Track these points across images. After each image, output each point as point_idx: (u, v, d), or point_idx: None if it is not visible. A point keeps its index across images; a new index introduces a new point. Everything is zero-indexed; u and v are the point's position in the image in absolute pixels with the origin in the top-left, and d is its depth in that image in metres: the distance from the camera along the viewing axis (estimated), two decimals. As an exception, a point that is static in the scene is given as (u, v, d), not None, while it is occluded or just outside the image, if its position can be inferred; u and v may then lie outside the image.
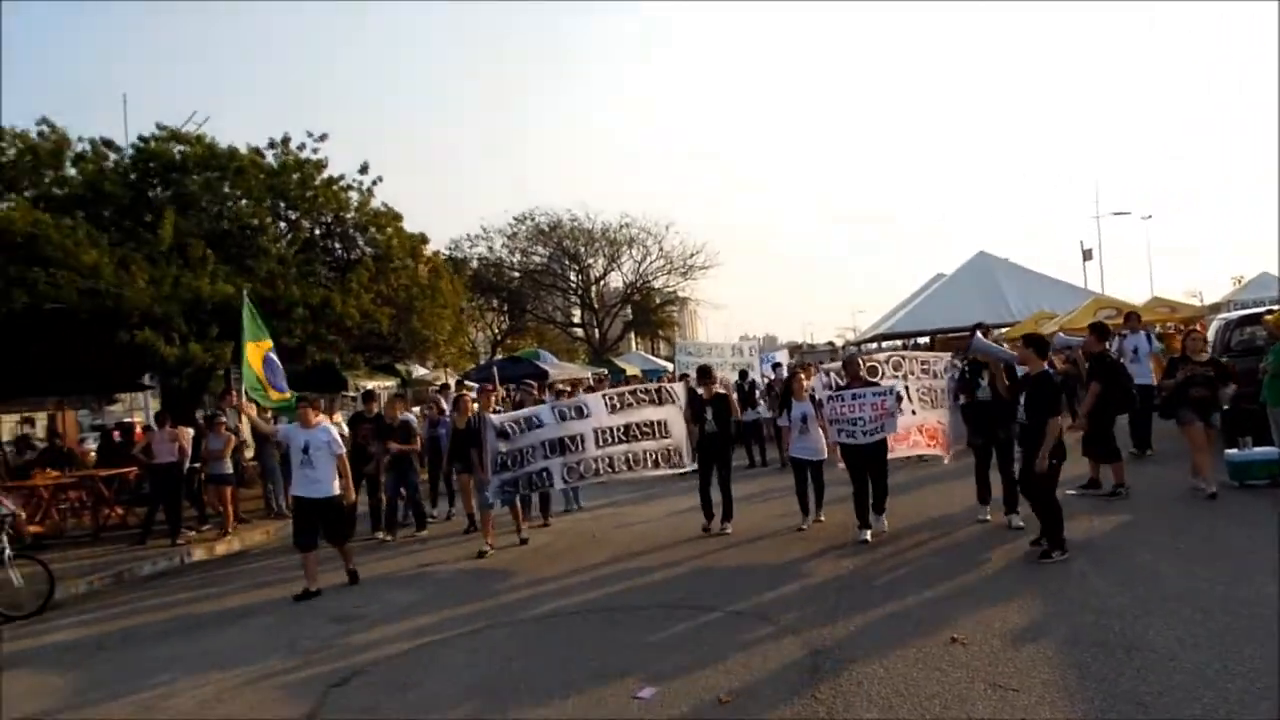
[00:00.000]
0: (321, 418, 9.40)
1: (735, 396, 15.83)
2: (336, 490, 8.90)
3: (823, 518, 9.85)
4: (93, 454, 19.35)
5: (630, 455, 9.76)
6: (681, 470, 10.03)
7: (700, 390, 10.21)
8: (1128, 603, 5.94)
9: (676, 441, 9.84)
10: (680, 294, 56.12)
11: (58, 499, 14.05)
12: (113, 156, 15.87)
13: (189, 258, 14.30)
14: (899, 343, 36.62)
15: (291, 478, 9.45)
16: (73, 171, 15.36)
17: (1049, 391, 7.52)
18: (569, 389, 17.85)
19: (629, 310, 54.47)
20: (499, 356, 37.24)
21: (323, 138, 17.32)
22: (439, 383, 21.36)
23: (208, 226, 15.62)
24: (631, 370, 34.10)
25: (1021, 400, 7.69)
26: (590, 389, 17.15)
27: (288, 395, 10.90)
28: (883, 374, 9.61)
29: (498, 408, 12.31)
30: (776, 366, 18.25)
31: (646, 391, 10.21)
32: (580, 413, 9.84)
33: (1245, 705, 4.22)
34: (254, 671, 6.38)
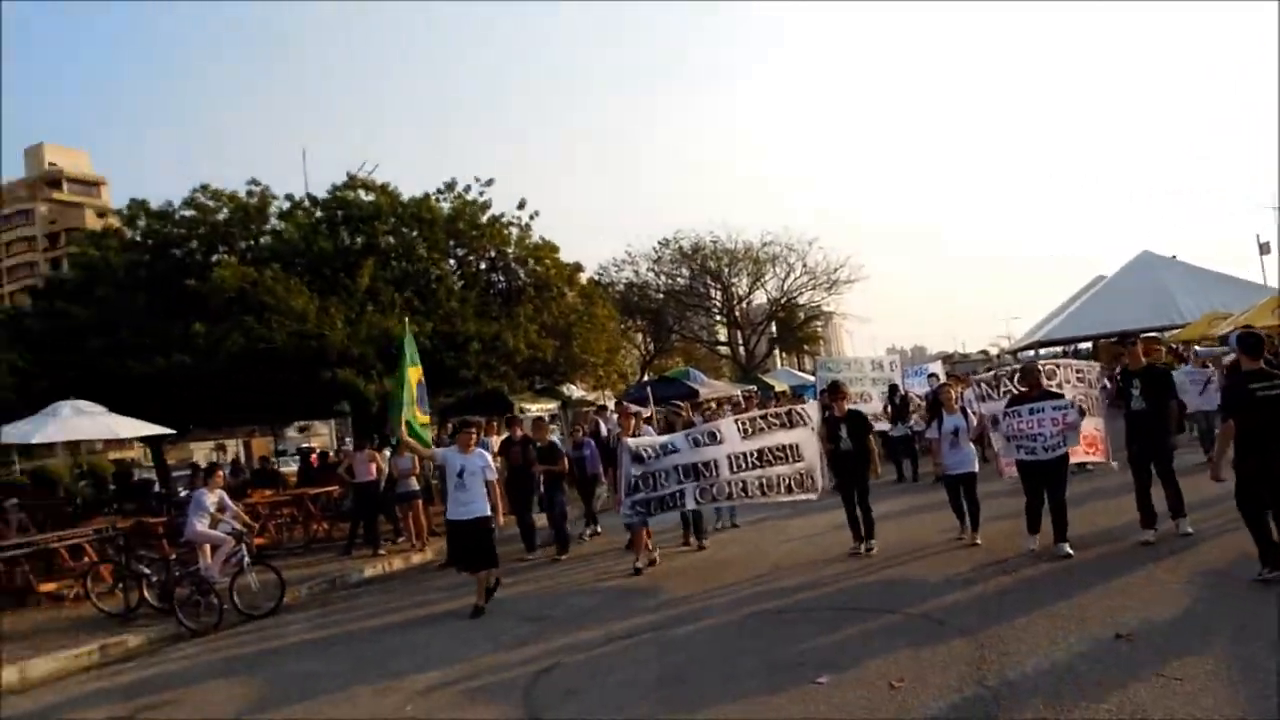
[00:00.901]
0: (477, 448, 9.79)
1: (884, 409, 16.06)
2: (486, 512, 9.15)
3: (979, 540, 9.36)
4: (293, 476, 21.55)
5: (764, 480, 9.75)
6: (814, 495, 9.85)
7: (832, 408, 10.09)
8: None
9: (809, 465, 9.73)
10: (825, 308, 55.97)
11: (273, 515, 15.82)
12: (316, 211, 17.80)
13: (380, 301, 15.88)
14: (1059, 349, 35.41)
15: (446, 500, 9.75)
16: (277, 224, 17.33)
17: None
18: (714, 406, 18.08)
19: (774, 327, 54.73)
20: (649, 377, 38.33)
21: (489, 183, 18.81)
22: (598, 403, 22.46)
23: (394, 271, 17.26)
24: (780, 386, 34.38)
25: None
26: (739, 407, 17.68)
27: (427, 419, 11.56)
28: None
29: (648, 428, 12.97)
30: (932, 377, 17.76)
31: (778, 415, 10.14)
32: (713, 438, 9.91)
33: None
34: (468, 661, 7.30)
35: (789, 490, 9.76)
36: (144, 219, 17.50)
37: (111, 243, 17.33)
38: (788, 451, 9.75)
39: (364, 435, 16.41)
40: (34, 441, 13.14)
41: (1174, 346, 27.15)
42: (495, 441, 14.70)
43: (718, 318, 53.53)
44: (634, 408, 13.11)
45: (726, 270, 50.10)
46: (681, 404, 16.82)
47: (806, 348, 60.93)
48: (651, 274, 49.01)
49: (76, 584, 11.77)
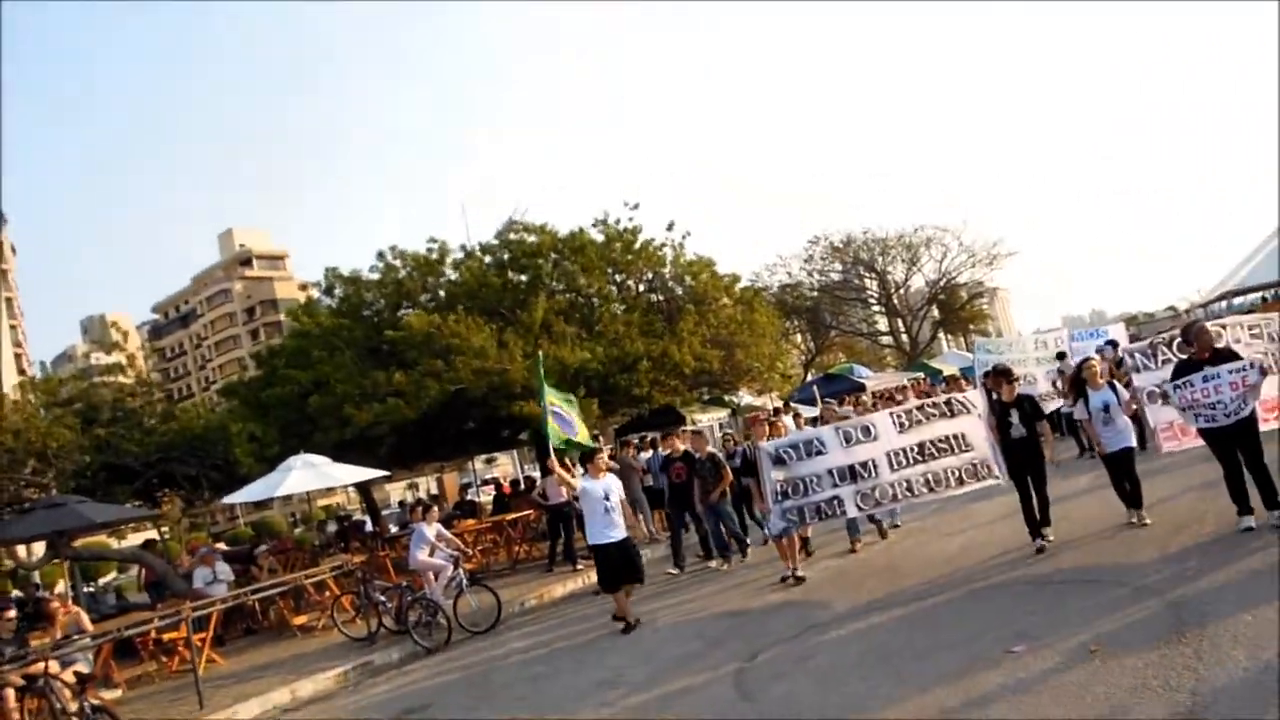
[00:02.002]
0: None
1: (1054, 385, 15.35)
2: (626, 534, 9.65)
3: (1149, 520, 8.76)
4: (488, 505, 23.05)
5: (930, 476, 9.08)
6: (993, 482, 9.10)
7: (999, 394, 9.27)
8: None
9: (980, 453, 9.00)
10: (988, 285, 54.00)
11: (478, 541, 17.11)
12: (488, 256, 19.27)
13: (553, 333, 16.97)
14: (1259, 295, 32.54)
15: (589, 527, 9.82)
16: (451, 274, 18.84)
17: None
18: (867, 402, 17.45)
19: (936, 311, 53.31)
20: (813, 376, 38.24)
21: (635, 207, 19.71)
22: (769, 407, 22.85)
23: (559, 302, 18.38)
24: (948, 370, 33.56)
25: None
26: (902, 395, 17.40)
27: (577, 437, 12.07)
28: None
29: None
30: (1111, 344, 16.25)
31: (935, 405, 9.42)
32: (868, 433, 9.31)
33: None
34: (685, 649, 8.00)
35: (960, 482, 9.08)
36: (339, 286, 19.44)
37: (321, 312, 19.34)
38: (952, 442, 9.08)
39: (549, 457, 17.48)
40: (276, 495, 14.87)
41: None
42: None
43: (875, 308, 52.65)
44: (759, 415, 13.17)
45: (880, 259, 49.33)
46: (833, 401, 16.47)
47: (973, 327, 58.80)
48: (804, 273, 48.91)
49: (323, 615, 13.26)
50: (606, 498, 9.52)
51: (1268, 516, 7.43)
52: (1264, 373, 7.64)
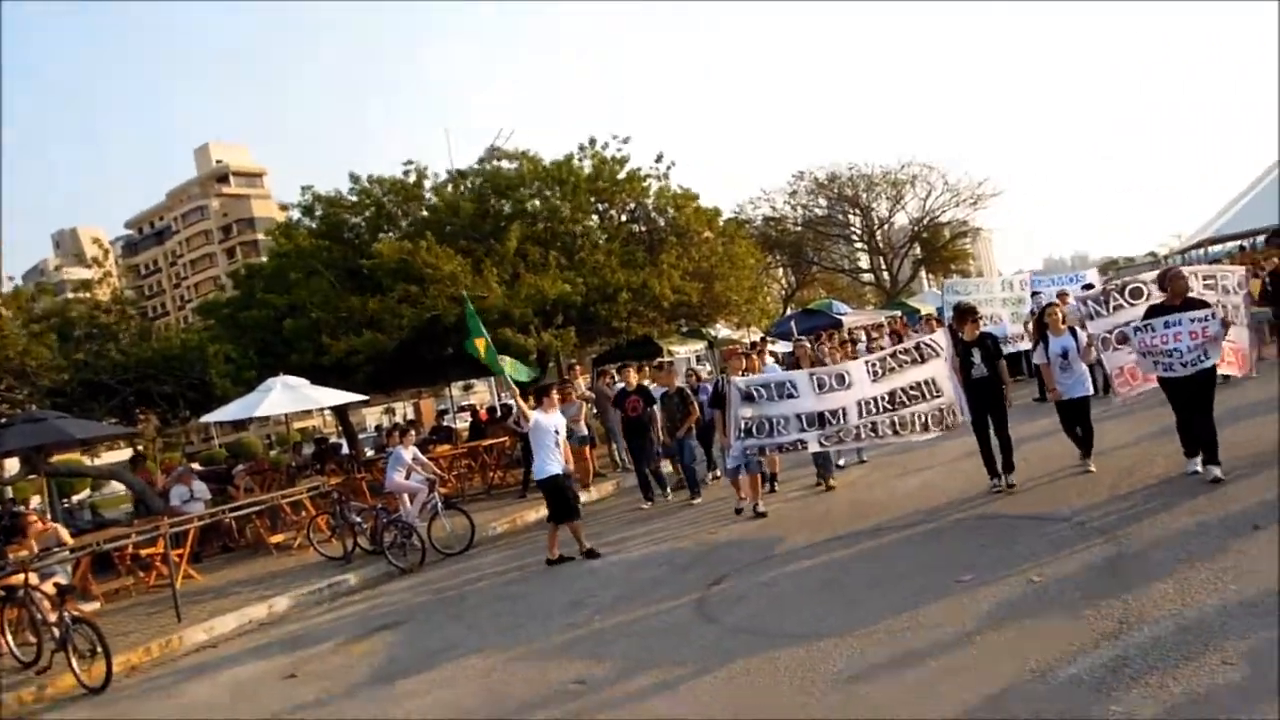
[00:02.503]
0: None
1: (1025, 326, 15.41)
2: (566, 469, 9.82)
3: (1093, 467, 8.89)
4: (465, 431, 23.28)
5: (896, 420, 9.01)
6: (955, 426, 8.99)
7: (961, 333, 9.16)
8: None
9: (949, 400, 8.89)
10: (971, 225, 54.08)
11: (453, 467, 17.34)
12: (464, 183, 19.08)
13: (530, 262, 16.96)
14: (1236, 244, 32.79)
15: (539, 460, 9.80)
16: (431, 198, 18.68)
17: None
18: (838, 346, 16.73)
19: (918, 249, 53.41)
20: (792, 310, 38.43)
21: (626, 140, 19.54)
22: (746, 341, 23.04)
23: (539, 229, 18.31)
24: (926, 309, 33.83)
25: None
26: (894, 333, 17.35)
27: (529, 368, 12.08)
28: (1149, 295, 8.44)
29: (774, 367, 12.59)
30: (1088, 288, 16.87)
31: (907, 351, 9.19)
32: (842, 381, 9.20)
33: None
34: (651, 574, 8.28)
35: (925, 428, 9.00)
36: (319, 207, 19.24)
37: (300, 232, 19.16)
38: (923, 388, 8.96)
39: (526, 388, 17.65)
40: (255, 415, 14.95)
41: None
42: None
43: (858, 245, 52.68)
44: (735, 349, 12.81)
45: (865, 195, 49.18)
46: (805, 340, 16.49)
47: (954, 267, 59.05)
48: (788, 207, 48.71)
49: (300, 535, 13.51)
50: (556, 432, 9.70)
51: (1203, 471, 7.59)
52: (1225, 325, 7.63)
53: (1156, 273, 8.75)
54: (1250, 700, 3.84)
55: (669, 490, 12.73)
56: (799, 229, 49.23)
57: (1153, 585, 5.39)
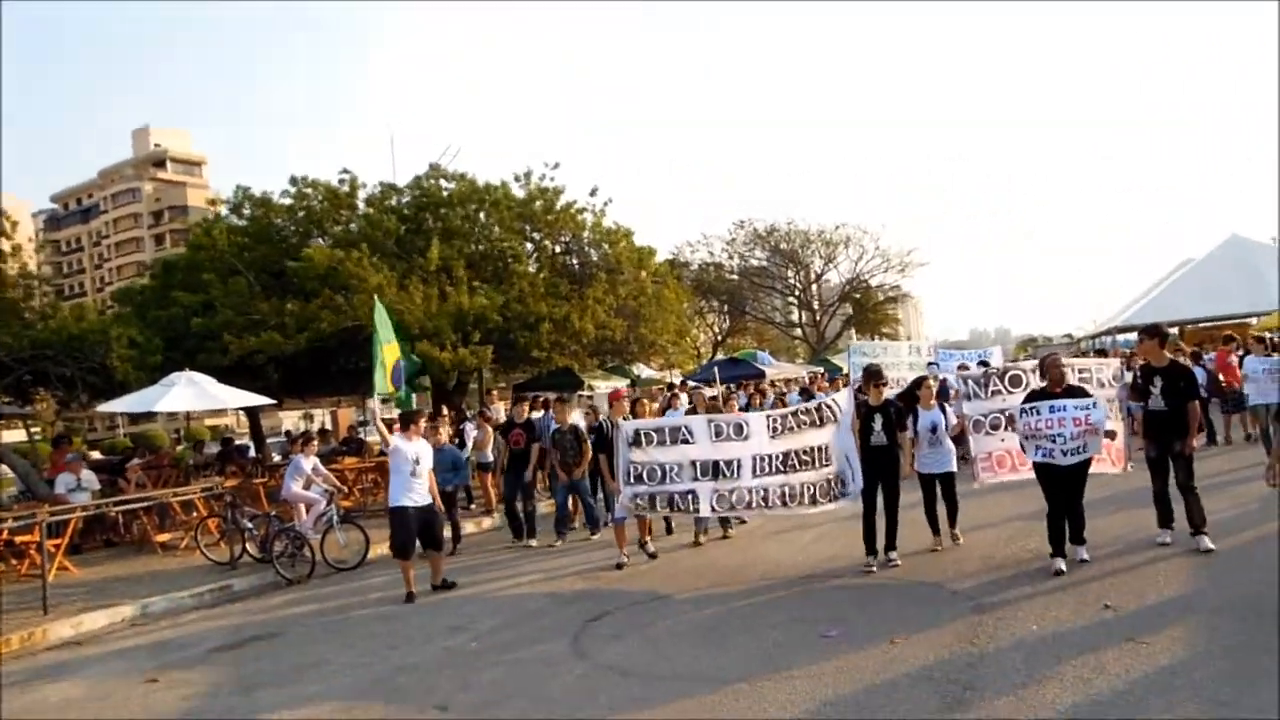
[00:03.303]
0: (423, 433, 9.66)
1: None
2: (430, 500, 9.40)
3: (960, 539, 8.99)
4: (378, 444, 22.96)
5: (787, 489, 8.59)
6: (846, 503, 8.60)
7: (868, 396, 8.82)
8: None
9: (836, 470, 8.51)
10: (900, 291, 55.72)
11: (359, 480, 17.08)
12: (395, 196, 19.01)
13: (454, 278, 16.96)
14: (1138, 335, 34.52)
15: (393, 488, 9.37)
16: (364, 209, 18.58)
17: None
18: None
19: (849, 308, 54.79)
20: (720, 356, 38.94)
21: (555, 166, 19.74)
22: (665, 382, 23.26)
23: (469, 251, 18.33)
24: (847, 368, 34.70)
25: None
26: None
27: (399, 392, 11.54)
28: (1027, 383, 8.60)
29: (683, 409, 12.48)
30: (984, 365, 15.57)
31: (808, 412, 8.82)
32: (739, 431, 8.84)
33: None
34: (534, 606, 8.28)
35: (814, 501, 8.56)
36: (249, 207, 18.96)
37: (219, 227, 18.81)
38: (815, 455, 8.57)
39: (442, 404, 17.56)
40: (155, 409, 14.55)
41: (1263, 337, 26.43)
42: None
43: (790, 299, 53.83)
44: (620, 391, 12.77)
45: (801, 251, 50.38)
46: (704, 388, 16.19)
47: (885, 330, 60.63)
48: (725, 255, 49.61)
49: (187, 535, 13.14)
50: (417, 461, 9.23)
51: (1072, 551, 7.70)
52: (1106, 415, 7.71)
53: (1035, 361, 9.05)
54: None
55: (535, 538, 11.99)
56: (734, 277, 50.11)
57: (1003, 655, 5.65)
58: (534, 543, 11.86)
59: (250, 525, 11.87)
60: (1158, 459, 8.06)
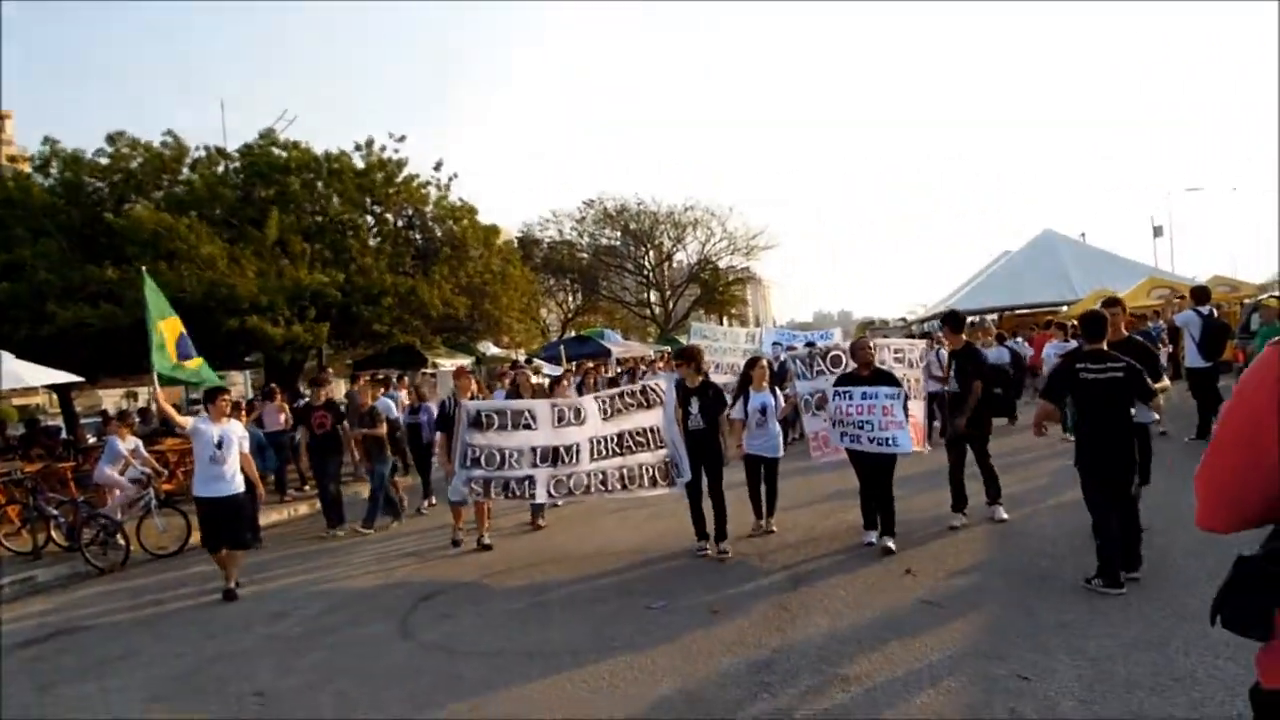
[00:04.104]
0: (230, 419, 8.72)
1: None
2: (243, 488, 8.54)
3: (774, 528, 8.86)
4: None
5: (625, 471, 8.50)
6: (676, 488, 8.53)
7: (682, 377, 8.64)
8: (1065, 550, 7.15)
9: (670, 453, 8.47)
10: (748, 273, 57.31)
11: (182, 462, 16.18)
12: (225, 163, 17.95)
13: (290, 252, 16.25)
14: (936, 323, 37.11)
15: (195, 475, 8.56)
16: (190, 175, 17.47)
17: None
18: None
19: (697, 289, 55.89)
20: (569, 334, 39.03)
21: (402, 139, 19.20)
22: (510, 359, 23.12)
23: (306, 222, 17.59)
24: (695, 348, 35.45)
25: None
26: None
27: (199, 361, 10.36)
28: (846, 364, 8.71)
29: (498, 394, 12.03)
30: (810, 345, 14.93)
31: (633, 394, 8.71)
32: (578, 415, 8.61)
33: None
34: (358, 594, 8.15)
35: (653, 483, 8.50)
36: (57, 164, 17.42)
37: (30, 183, 17.19)
38: (649, 436, 8.50)
39: (275, 383, 16.83)
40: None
41: (1065, 324, 28.92)
42: (404, 396, 15.20)
43: (641, 279, 54.43)
44: (464, 369, 11.78)
45: (652, 231, 50.94)
46: (524, 368, 15.79)
47: (733, 311, 62.23)
48: (575, 233, 49.58)
49: (-16, 525, 12.11)
50: (219, 445, 8.29)
51: (878, 543, 7.76)
52: (907, 403, 7.88)
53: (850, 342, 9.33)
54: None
55: (346, 525, 11.39)
56: (585, 256, 50.18)
57: (811, 620, 6.02)
58: (340, 532, 11.20)
59: (56, 512, 11.08)
60: (956, 438, 8.40)
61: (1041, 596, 6.03)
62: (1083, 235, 42.16)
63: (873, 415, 7.73)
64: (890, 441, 7.71)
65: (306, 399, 12.31)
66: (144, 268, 10.28)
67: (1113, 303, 8.00)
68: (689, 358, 8.75)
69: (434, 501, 12.76)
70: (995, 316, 38.16)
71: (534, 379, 16.00)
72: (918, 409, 8.79)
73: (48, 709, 5.80)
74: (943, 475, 8.62)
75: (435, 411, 11.64)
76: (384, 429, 11.67)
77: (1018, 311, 35.52)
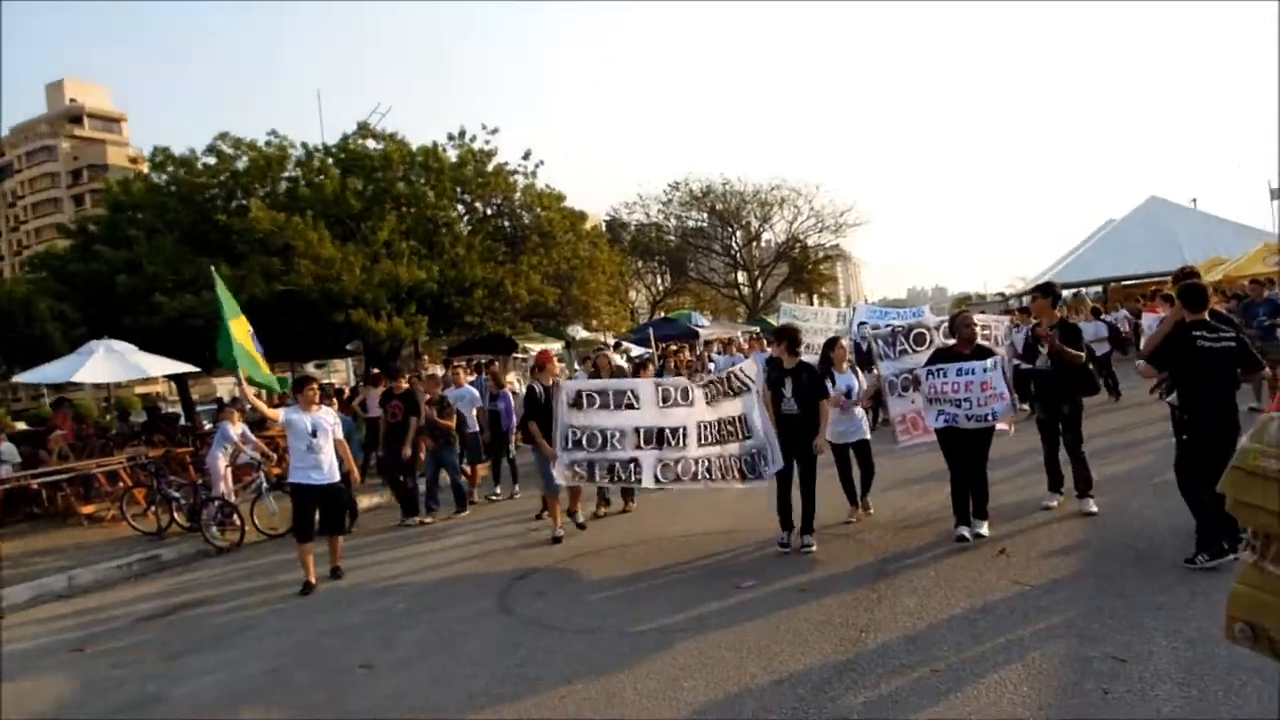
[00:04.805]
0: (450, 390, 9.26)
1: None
2: (339, 477, 8.66)
3: (871, 510, 8.67)
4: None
5: (722, 461, 8.09)
6: (767, 478, 7.98)
7: (781, 358, 8.07)
8: (1165, 532, 6.93)
9: (758, 441, 7.98)
10: (837, 251, 56.49)
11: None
12: (324, 159, 18.68)
13: (392, 250, 16.84)
14: (1085, 291, 35.72)
15: (291, 463, 8.70)
16: (294, 173, 18.25)
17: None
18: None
19: (786, 268, 55.39)
20: (658, 316, 39.22)
21: (494, 131, 19.60)
22: (600, 344, 23.41)
23: (407, 221, 18.17)
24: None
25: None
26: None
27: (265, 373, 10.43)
28: (931, 341, 8.36)
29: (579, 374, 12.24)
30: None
31: (720, 383, 8.23)
32: (686, 396, 8.14)
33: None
34: (458, 573, 8.45)
35: (742, 476, 8.09)
36: (170, 166, 18.44)
37: (138, 186, 18.29)
38: (737, 426, 8.06)
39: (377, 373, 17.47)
40: (70, 380, 14.23)
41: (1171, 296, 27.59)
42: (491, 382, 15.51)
43: (724, 259, 54.22)
44: (548, 351, 11.34)
45: (737, 212, 50.67)
46: (609, 351, 15.70)
47: (823, 290, 61.53)
48: (661, 216, 49.70)
49: (113, 506, 12.99)
50: (314, 433, 8.42)
51: (974, 524, 7.41)
52: (1004, 371, 7.43)
53: (942, 318, 9.02)
54: (938, 701, 4.40)
55: (428, 513, 11.51)
56: (672, 239, 50.27)
57: (899, 599, 6.01)
58: (413, 521, 11.35)
59: (177, 494, 11.80)
60: (1046, 421, 8.00)
61: (1138, 578, 5.88)
62: (1193, 201, 40.11)
63: (970, 392, 7.32)
64: (990, 416, 7.33)
65: (387, 388, 12.34)
66: (213, 267, 10.53)
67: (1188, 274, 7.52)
68: (784, 336, 8.21)
69: (516, 490, 12.82)
70: (1100, 288, 36.75)
71: (616, 360, 16.04)
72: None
73: (174, 676, 6.24)
74: (1034, 455, 8.38)
75: (513, 399, 11.75)
76: (453, 419, 11.80)
77: (1124, 283, 34.10)
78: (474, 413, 12.88)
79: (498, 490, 12.96)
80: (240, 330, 9.58)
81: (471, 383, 14.15)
